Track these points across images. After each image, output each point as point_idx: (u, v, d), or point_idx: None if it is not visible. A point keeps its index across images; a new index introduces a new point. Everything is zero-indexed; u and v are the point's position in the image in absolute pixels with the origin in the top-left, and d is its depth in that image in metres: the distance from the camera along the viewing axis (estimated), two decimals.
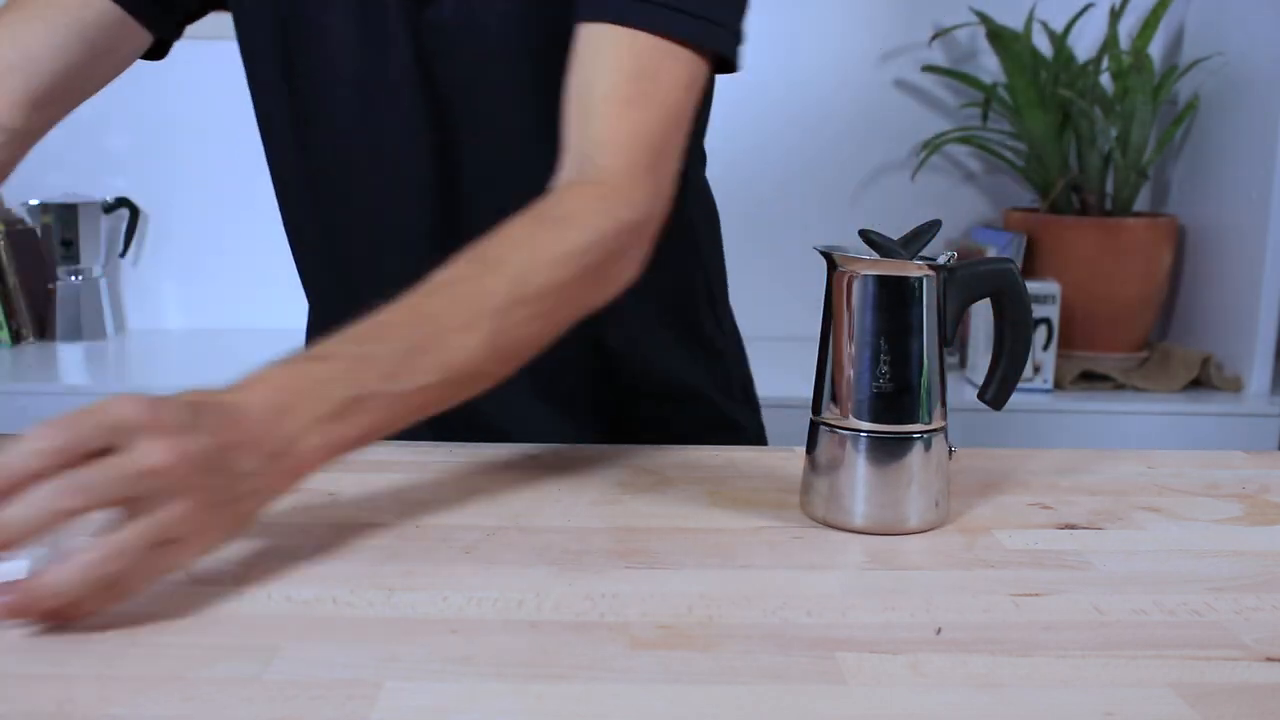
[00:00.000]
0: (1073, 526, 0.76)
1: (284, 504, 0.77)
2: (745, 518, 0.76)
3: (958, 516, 0.77)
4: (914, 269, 0.71)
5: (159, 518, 0.54)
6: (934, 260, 0.72)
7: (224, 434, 0.58)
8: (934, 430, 0.73)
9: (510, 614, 0.60)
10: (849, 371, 0.72)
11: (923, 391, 0.72)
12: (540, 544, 0.71)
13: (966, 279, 0.74)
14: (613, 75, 0.76)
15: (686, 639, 0.58)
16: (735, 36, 0.81)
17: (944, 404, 0.74)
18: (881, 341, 0.71)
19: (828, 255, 0.74)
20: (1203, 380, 1.93)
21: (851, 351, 0.72)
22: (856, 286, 0.72)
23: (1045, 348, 1.89)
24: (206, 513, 0.56)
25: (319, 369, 0.64)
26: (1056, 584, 0.66)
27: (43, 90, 0.86)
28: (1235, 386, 1.92)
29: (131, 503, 0.54)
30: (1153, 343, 2.08)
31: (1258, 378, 1.89)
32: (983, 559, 0.69)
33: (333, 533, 0.72)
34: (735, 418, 1.05)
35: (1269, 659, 0.56)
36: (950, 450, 0.75)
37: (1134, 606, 0.62)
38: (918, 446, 0.72)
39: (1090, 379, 1.95)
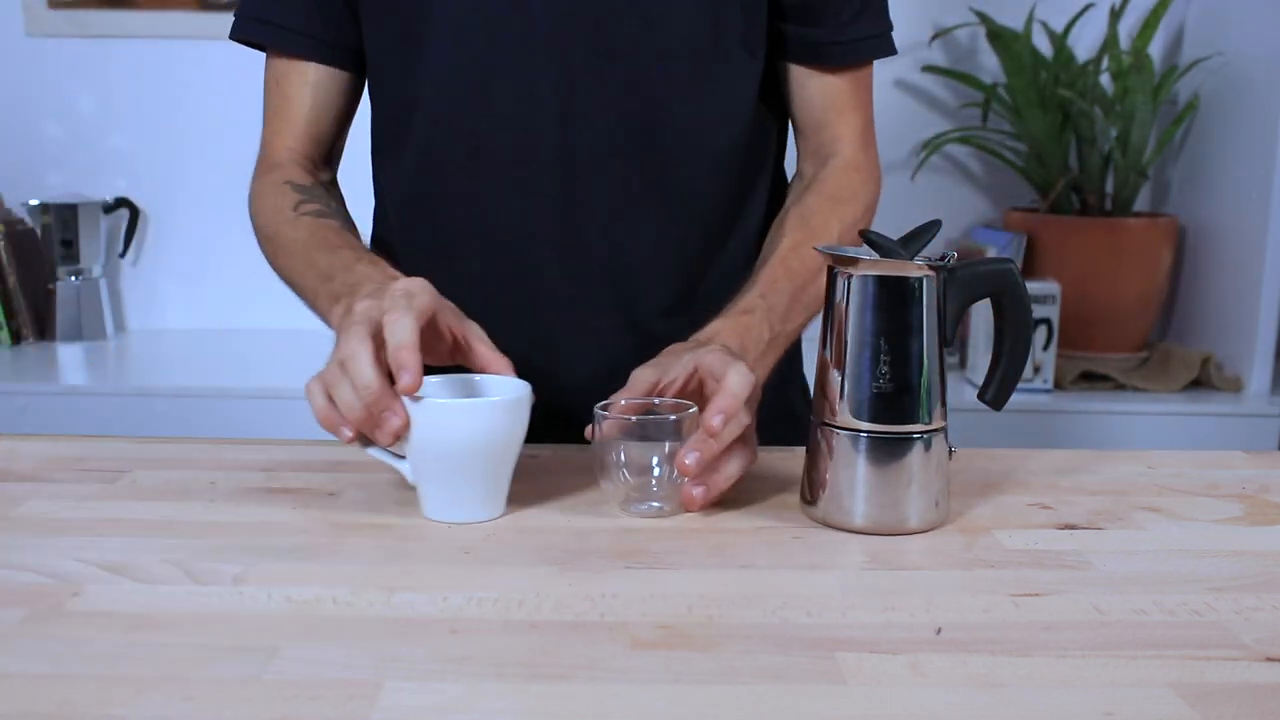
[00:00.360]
0: (1073, 526, 0.76)
1: (283, 505, 0.77)
2: (745, 518, 0.76)
3: (957, 516, 0.77)
4: (914, 269, 0.71)
5: (745, 422, 0.76)
6: (934, 260, 0.72)
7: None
8: (934, 430, 0.73)
9: (510, 614, 0.60)
10: (849, 372, 0.72)
11: (923, 392, 0.72)
12: (540, 544, 0.71)
13: (966, 279, 0.74)
14: (833, 92, 0.98)
15: (686, 639, 0.58)
16: (891, 35, 1.00)
17: (944, 404, 0.74)
18: (882, 342, 0.72)
19: (828, 256, 0.74)
20: (1202, 380, 1.93)
21: (852, 352, 0.72)
22: (856, 287, 0.72)
23: (1045, 348, 1.89)
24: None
25: (749, 320, 0.87)
26: (1056, 584, 0.66)
27: (330, 144, 1.02)
28: (1235, 386, 1.92)
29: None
30: (1153, 343, 2.08)
31: (1257, 378, 1.89)
32: (983, 559, 0.69)
33: (333, 533, 0.72)
34: (792, 406, 1.08)
35: (1269, 659, 0.56)
36: (950, 450, 0.75)
37: (1134, 606, 0.62)
38: (918, 447, 0.72)
39: (1090, 379, 1.95)
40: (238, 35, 0.99)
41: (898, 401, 0.72)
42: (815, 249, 0.76)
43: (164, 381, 1.87)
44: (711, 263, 0.99)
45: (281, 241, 0.93)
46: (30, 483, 0.82)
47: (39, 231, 2.13)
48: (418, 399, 0.72)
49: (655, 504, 0.76)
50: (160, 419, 1.80)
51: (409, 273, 0.80)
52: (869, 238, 0.73)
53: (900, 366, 0.72)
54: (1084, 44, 2.07)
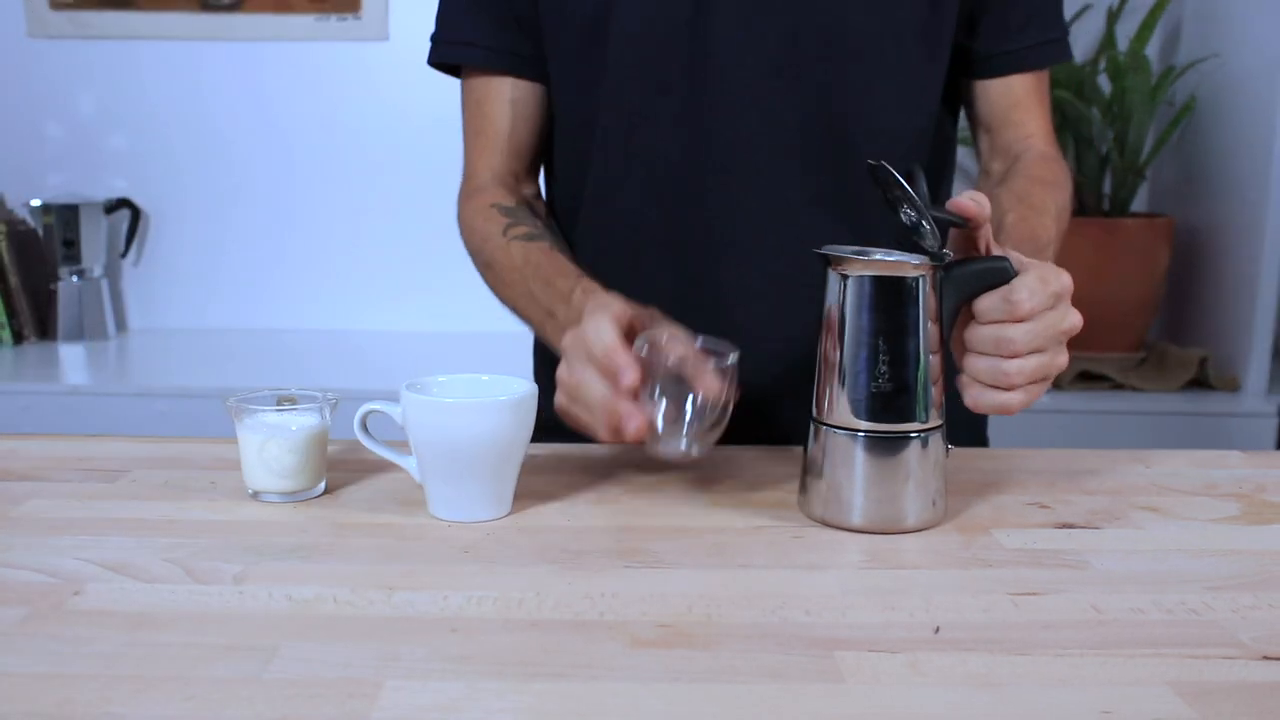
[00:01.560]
0: (1071, 526, 0.76)
1: (283, 505, 0.78)
2: (745, 517, 0.76)
3: (956, 516, 0.77)
4: (910, 269, 0.71)
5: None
6: (931, 259, 0.72)
7: None
8: (931, 429, 0.73)
9: (510, 613, 0.61)
10: (847, 371, 0.73)
11: (919, 390, 0.72)
12: (540, 544, 0.71)
13: (962, 277, 0.74)
14: (1019, 91, 0.99)
15: (686, 638, 0.58)
16: (1068, 39, 1.03)
17: (941, 403, 0.74)
18: (879, 341, 0.72)
19: (824, 256, 0.74)
20: (1200, 380, 1.94)
21: (849, 352, 0.72)
22: (853, 287, 0.72)
23: None
24: None
25: (1031, 243, 0.86)
26: (1055, 583, 0.66)
27: (531, 158, 1.04)
28: (1232, 386, 1.92)
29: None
30: (1150, 343, 2.08)
31: (1254, 377, 1.90)
32: (981, 558, 0.70)
33: (333, 533, 0.72)
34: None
35: (1266, 657, 0.57)
36: (947, 449, 0.75)
37: (1132, 605, 0.63)
38: (915, 445, 0.72)
39: (1088, 379, 1.96)
40: (438, 59, 1.01)
41: (895, 401, 0.72)
42: (814, 249, 0.75)
43: (165, 381, 1.87)
44: None
45: (498, 270, 0.96)
46: (31, 482, 0.82)
47: (41, 231, 2.13)
48: (425, 399, 0.73)
49: (683, 445, 0.74)
50: (161, 419, 1.81)
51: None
52: (878, 175, 0.73)
53: (897, 366, 0.72)
54: (1081, 45, 2.07)
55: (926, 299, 0.72)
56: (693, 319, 0.93)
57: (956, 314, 0.74)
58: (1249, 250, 1.89)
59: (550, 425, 0.91)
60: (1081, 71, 1.99)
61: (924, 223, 0.71)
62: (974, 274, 0.74)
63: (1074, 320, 0.74)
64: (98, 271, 2.16)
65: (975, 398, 0.73)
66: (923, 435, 0.73)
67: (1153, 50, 2.08)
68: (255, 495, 0.78)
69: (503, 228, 0.96)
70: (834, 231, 0.94)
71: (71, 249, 2.12)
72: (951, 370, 0.76)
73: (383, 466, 0.85)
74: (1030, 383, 0.72)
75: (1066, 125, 2.00)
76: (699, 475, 0.85)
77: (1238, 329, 1.92)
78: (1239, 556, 0.71)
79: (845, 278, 0.72)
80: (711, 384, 0.72)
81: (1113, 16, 1.99)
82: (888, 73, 0.92)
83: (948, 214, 0.74)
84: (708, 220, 0.94)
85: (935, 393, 0.73)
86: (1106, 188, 2.03)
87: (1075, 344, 2.15)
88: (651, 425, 0.73)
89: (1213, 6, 2.03)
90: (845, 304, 0.72)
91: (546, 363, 1.04)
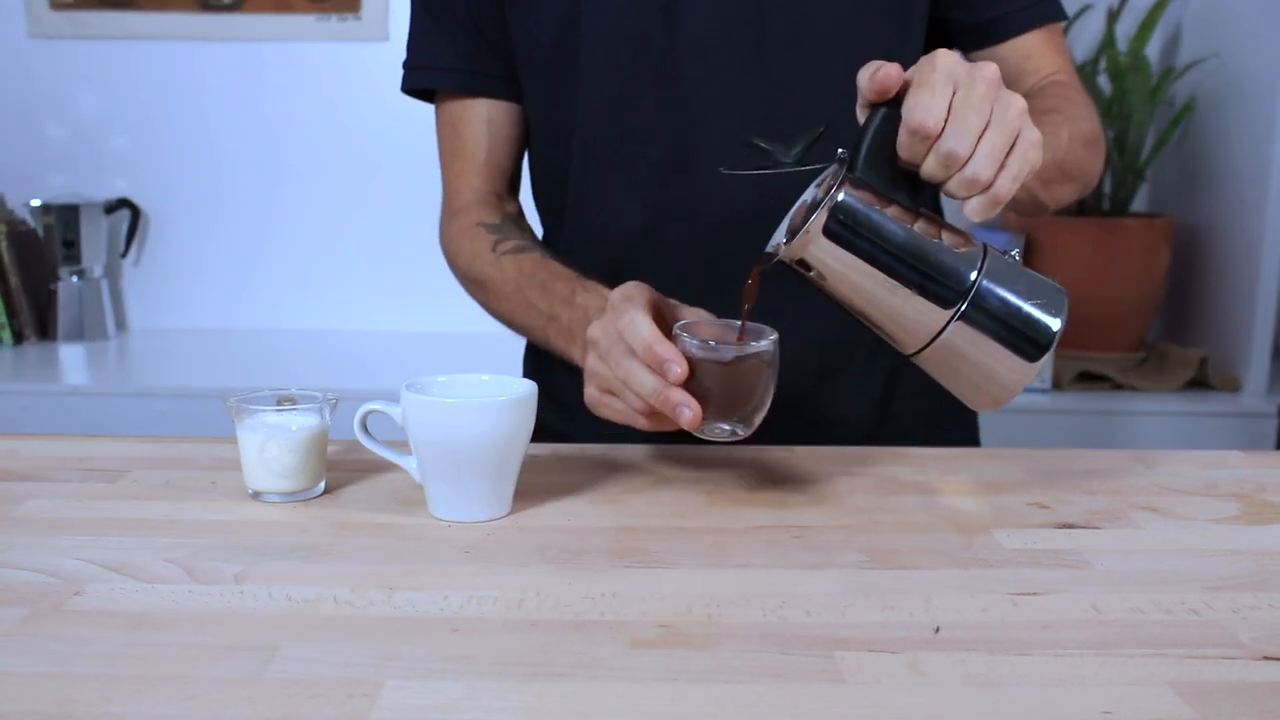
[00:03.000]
0: (1071, 526, 0.76)
1: (283, 505, 0.78)
2: (744, 517, 0.76)
3: (956, 516, 0.77)
4: (838, 193, 0.68)
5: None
6: (836, 167, 0.70)
7: None
8: (980, 269, 0.70)
9: (510, 613, 0.61)
10: (890, 306, 0.71)
11: (945, 258, 0.70)
12: (540, 544, 0.71)
13: (870, 154, 0.69)
14: (1027, 47, 0.97)
15: (686, 638, 0.58)
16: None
17: (965, 236, 0.72)
18: (883, 265, 0.69)
19: (768, 257, 0.72)
20: (1200, 380, 1.94)
21: (875, 294, 0.71)
22: (817, 252, 0.70)
23: None
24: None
25: None
26: (1055, 583, 0.66)
27: (510, 176, 1.04)
28: (1232, 386, 1.92)
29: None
30: (1150, 343, 2.08)
31: (1254, 377, 1.90)
32: (981, 558, 0.70)
33: (333, 533, 0.72)
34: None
35: (1266, 657, 0.57)
36: (1004, 252, 0.73)
37: (1132, 605, 0.63)
38: (986, 288, 0.70)
39: (1088, 379, 1.96)
40: (411, 87, 1.01)
41: (940, 284, 0.70)
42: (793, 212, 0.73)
43: (165, 381, 1.87)
44: None
45: (491, 286, 0.96)
46: (31, 482, 0.82)
47: (41, 232, 2.13)
48: (425, 399, 0.74)
49: (727, 426, 0.74)
50: (161, 419, 1.81)
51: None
52: (755, 143, 0.71)
53: (913, 266, 0.69)
54: (1082, 45, 2.07)
55: (869, 199, 0.69)
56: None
57: (904, 177, 0.70)
58: (1249, 250, 1.89)
59: (544, 426, 0.91)
60: (1081, 72, 1.99)
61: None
62: (874, 139, 0.70)
63: (1013, 102, 0.68)
64: (98, 271, 2.16)
65: (970, 212, 0.69)
66: (984, 273, 0.70)
67: (1153, 50, 2.08)
68: (255, 495, 0.78)
69: (491, 244, 0.96)
70: None
71: (71, 249, 2.12)
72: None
73: (383, 466, 0.85)
74: (1001, 165, 0.68)
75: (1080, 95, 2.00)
76: (698, 476, 0.85)
77: (1238, 329, 1.92)
78: (1239, 556, 0.71)
79: (809, 253, 0.70)
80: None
81: (1113, 17, 1.99)
82: (859, 54, 0.92)
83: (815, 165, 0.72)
84: (693, 219, 0.94)
85: (955, 239, 0.71)
86: (1106, 188, 2.03)
87: (1075, 344, 2.14)
88: (698, 412, 0.73)
89: (1213, 7, 2.03)
90: (831, 268, 0.70)
91: (539, 367, 1.04)
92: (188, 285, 2.26)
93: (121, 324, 2.27)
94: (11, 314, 2.11)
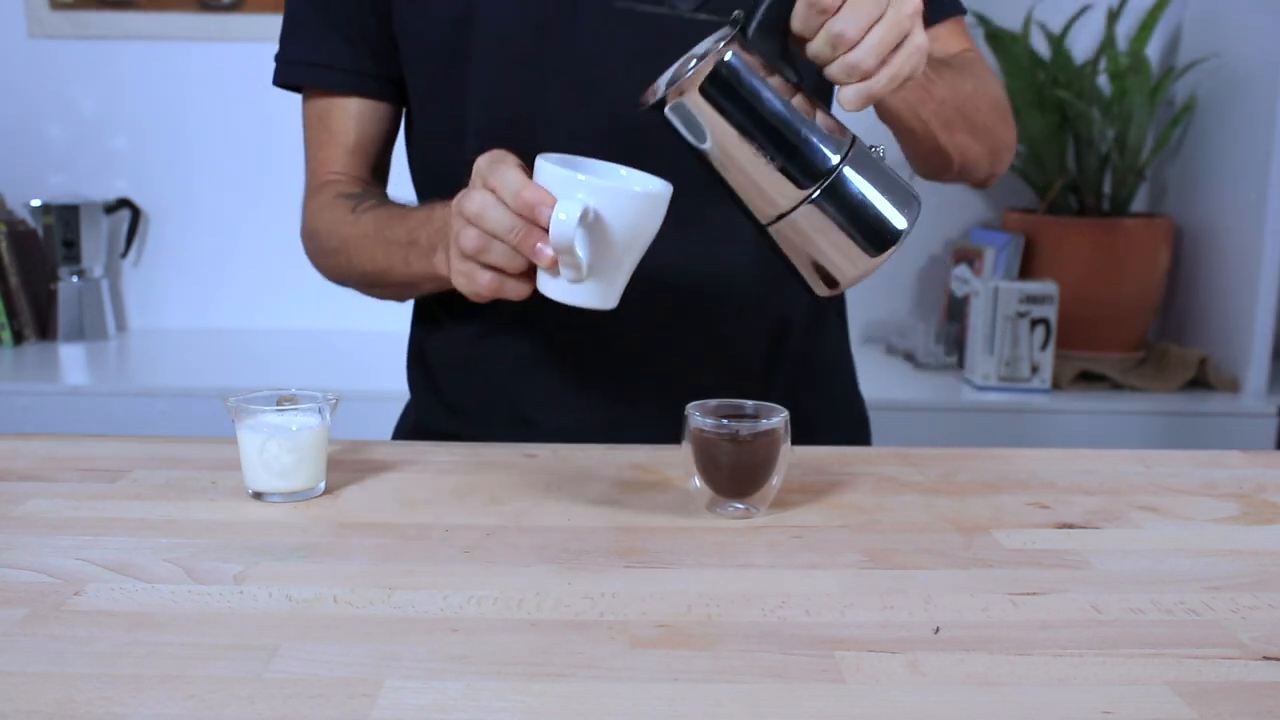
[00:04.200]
0: (1070, 526, 0.76)
1: (283, 505, 0.78)
2: (744, 517, 0.76)
3: (956, 516, 0.77)
4: (720, 51, 0.68)
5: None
6: (728, 27, 0.69)
7: None
8: (846, 153, 0.70)
9: (510, 613, 0.61)
10: (753, 173, 0.71)
11: (810, 144, 0.70)
12: (540, 544, 0.71)
13: (764, 20, 0.69)
14: (939, 29, 0.98)
15: (686, 638, 0.58)
16: None
17: (839, 125, 0.71)
18: (753, 130, 0.69)
19: (657, 105, 0.71)
20: (1200, 380, 1.94)
21: (743, 158, 0.70)
22: (691, 108, 0.69)
23: (1043, 348, 1.89)
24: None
25: None
26: (1054, 583, 0.66)
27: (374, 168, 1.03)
28: (1232, 386, 1.92)
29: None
30: (1150, 343, 2.08)
31: (1254, 377, 1.90)
32: (981, 558, 0.70)
33: (333, 533, 0.72)
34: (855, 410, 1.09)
35: (1266, 657, 0.57)
36: (872, 148, 0.73)
37: (1131, 605, 0.63)
38: (850, 173, 0.70)
39: (1088, 379, 1.96)
40: (282, 81, 1.00)
41: (801, 164, 0.70)
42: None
43: (165, 381, 1.87)
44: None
45: (351, 244, 0.94)
46: (31, 482, 0.82)
47: (41, 232, 2.13)
48: (602, 183, 0.73)
49: (742, 505, 0.76)
50: (161, 419, 1.81)
51: (464, 302, 0.83)
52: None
53: (781, 134, 0.69)
54: (1082, 45, 2.07)
55: (754, 64, 0.69)
56: (583, 324, 0.88)
57: (785, 51, 0.71)
58: (1249, 250, 1.89)
59: (433, 428, 0.88)
60: (1081, 72, 1.99)
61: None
62: (771, 7, 0.70)
63: (907, 1, 0.69)
64: (98, 271, 2.16)
65: (844, 100, 0.70)
66: (847, 160, 0.70)
67: (1153, 50, 2.08)
68: (255, 495, 0.78)
69: (351, 208, 0.95)
70: (723, 220, 0.93)
71: (71, 249, 2.12)
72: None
73: (383, 466, 0.85)
74: (884, 60, 0.68)
75: (1066, 125, 2.00)
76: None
77: (1238, 329, 1.92)
78: (1239, 556, 0.71)
79: (682, 104, 0.70)
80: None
81: (1113, 17, 2.00)
82: None
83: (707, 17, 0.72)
84: None
85: (828, 124, 0.71)
86: (1106, 188, 2.03)
87: (1076, 344, 2.14)
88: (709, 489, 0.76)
89: (1213, 6, 2.03)
90: (700, 126, 0.70)
91: (424, 369, 1.03)
92: (188, 285, 2.26)
93: (121, 324, 2.27)
94: (11, 314, 2.11)
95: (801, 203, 0.71)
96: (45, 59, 2.16)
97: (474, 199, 0.74)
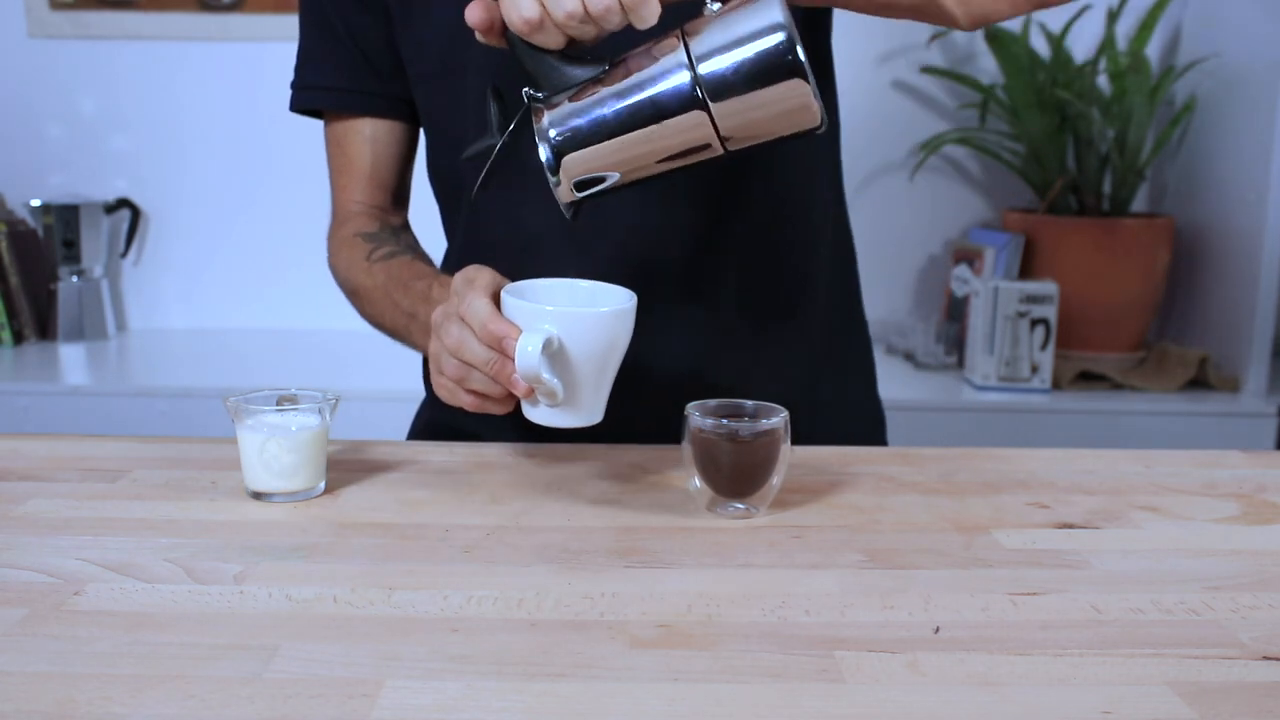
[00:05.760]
0: (1070, 526, 0.76)
1: (283, 505, 0.78)
2: (744, 517, 0.76)
3: (956, 516, 0.77)
4: (541, 136, 0.69)
5: None
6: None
7: None
8: (692, 72, 0.69)
9: (510, 613, 0.61)
10: (661, 149, 0.71)
11: (660, 85, 0.69)
12: (540, 544, 0.71)
13: (531, 64, 0.71)
14: None
15: (686, 638, 0.58)
16: None
17: (651, 44, 0.70)
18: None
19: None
20: (1200, 380, 1.94)
21: (641, 156, 0.71)
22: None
23: (1043, 348, 1.90)
24: None
25: None
26: (1054, 583, 0.66)
27: (395, 190, 1.05)
28: (1232, 386, 1.92)
29: None
30: (1150, 343, 2.08)
31: (1254, 377, 1.90)
32: (981, 558, 0.70)
33: (333, 533, 0.72)
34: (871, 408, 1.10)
35: (1266, 657, 0.57)
36: (704, 7, 0.71)
37: (1131, 605, 0.63)
38: (705, 76, 0.68)
39: (1088, 379, 1.96)
40: (297, 107, 1.03)
41: (673, 102, 0.69)
42: None
43: (165, 381, 1.87)
44: (787, 261, 0.98)
45: (363, 293, 0.98)
46: (31, 482, 0.82)
47: (41, 232, 2.13)
48: (582, 310, 0.74)
49: (743, 505, 0.76)
50: (161, 419, 1.81)
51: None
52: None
53: (644, 111, 0.69)
54: (1081, 45, 2.07)
55: (562, 103, 0.70)
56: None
57: (558, 63, 0.70)
58: (1249, 250, 1.89)
59: (453, 427, 0.89)
60: (1081, 72, 1.99)
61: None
62: (521, 53, 0.71)
63: None
64: (98, 271, 2.16)
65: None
66: (696, 67, 0.68)
67: (1153, 50, 2.09)
68: (255, 496, 0.78)
69: (366, 253, 0.98)
70: (710, 226, 0.93)
71: (71, 249, 2.12)
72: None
73: (383, 466, 0.85)
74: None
75: (1066, 125, 2.00)
76: None
77: (1238, 329, 1.93)
78: (1239, 556, 0.71)
79: (576, 181, 0.71)
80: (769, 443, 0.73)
81: (1113, 16, 2.00)
82: None
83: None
84: (594, 230, 0.92)
85: (647, 56, 0.70)
86: (1106, 188, 2.03)
87: (1076, 344, 2.15)
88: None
89: (1213, 6, 2.03)
90: (600, 171, 0.71)
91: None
92: (188, 285, 2.26)
93: (121, 324, 2.27)
94: (11, 314, 2.11)
95: (715, 122, 0.69)
96: (45, 59, 2.16)
97: (451, 332, 0.75)
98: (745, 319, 0.97)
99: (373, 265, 0.97)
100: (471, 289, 0.75)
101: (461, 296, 0.75)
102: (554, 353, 0.72)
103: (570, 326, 0.72)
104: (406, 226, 1.06)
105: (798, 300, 1.00)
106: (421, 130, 1.03)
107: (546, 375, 0.71)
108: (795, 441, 0.77)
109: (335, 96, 1.00)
